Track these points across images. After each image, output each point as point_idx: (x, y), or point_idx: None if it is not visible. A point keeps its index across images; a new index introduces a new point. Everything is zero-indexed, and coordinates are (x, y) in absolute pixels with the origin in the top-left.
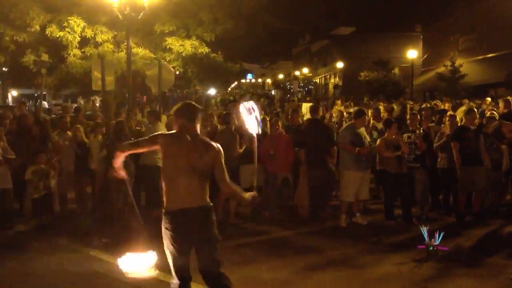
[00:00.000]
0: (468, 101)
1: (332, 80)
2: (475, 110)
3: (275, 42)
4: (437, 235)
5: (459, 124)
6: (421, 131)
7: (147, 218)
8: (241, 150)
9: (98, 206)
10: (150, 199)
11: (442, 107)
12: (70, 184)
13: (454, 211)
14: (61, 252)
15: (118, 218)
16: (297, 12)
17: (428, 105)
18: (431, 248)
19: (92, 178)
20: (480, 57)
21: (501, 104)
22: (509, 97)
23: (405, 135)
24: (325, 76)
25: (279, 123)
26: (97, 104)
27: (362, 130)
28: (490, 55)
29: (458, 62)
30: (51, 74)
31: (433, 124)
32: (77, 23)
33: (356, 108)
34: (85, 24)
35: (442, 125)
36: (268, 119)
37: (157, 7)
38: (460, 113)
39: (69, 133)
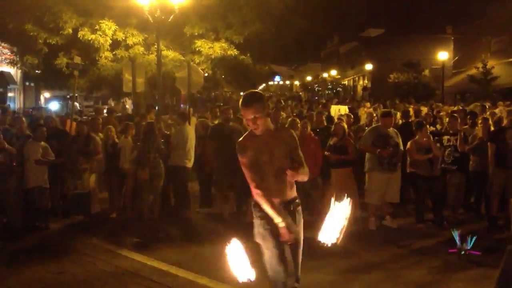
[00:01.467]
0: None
1: (361, 82)
2: None
3: (303, 44)
4: (469, 239)
5: (492, 127)
6: (462, 134)
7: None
8: None
9: (129, 206)
10: (178, 200)
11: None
12: (101, 184)
13: (486, 215)
14: (93, 251)
15: (149, 217)
16: (326, 14)
17: (462, 107)
18: (463, 252)
19: (123, 178)
20: None
21: None
22: None
23: (445, 138)
24: (353, 78)
25: (308, 124)
26: (127, 106)
27: (391, 131)
28: None
29: (490, 63)
30: (83, 76)
31: (466, 126)
32: (108, 26)
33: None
34: (116, 27)
35: (476, 128)
36: (298, 121)
37: (187, 10)
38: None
39: (101, 134)
